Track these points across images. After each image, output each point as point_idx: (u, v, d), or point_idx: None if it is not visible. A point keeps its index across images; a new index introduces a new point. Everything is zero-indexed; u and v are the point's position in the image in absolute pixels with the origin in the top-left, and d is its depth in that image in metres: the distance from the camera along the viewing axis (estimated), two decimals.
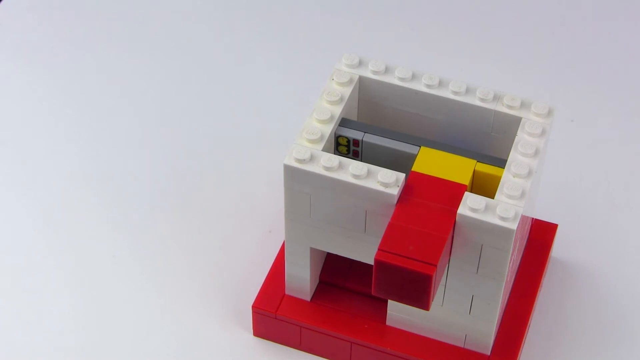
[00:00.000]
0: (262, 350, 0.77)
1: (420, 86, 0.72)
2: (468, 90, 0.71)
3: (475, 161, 0.69)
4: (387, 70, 0.73)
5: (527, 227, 0.77)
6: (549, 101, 0.72)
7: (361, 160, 0.71)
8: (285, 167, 0.67)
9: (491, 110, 0.71)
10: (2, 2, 1.04)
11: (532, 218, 0.80)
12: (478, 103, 0.71)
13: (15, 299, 0.80)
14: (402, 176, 0.66)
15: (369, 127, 0.71)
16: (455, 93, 0.71)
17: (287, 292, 0.76)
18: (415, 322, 0.74)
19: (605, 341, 0.78)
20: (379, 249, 0.64)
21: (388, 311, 0.74)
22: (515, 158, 0.68)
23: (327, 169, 0.67)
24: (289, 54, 0.99)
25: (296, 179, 0.68)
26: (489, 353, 0.73)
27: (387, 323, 0.75)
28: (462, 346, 0.74)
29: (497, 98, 0.71)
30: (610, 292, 0.81)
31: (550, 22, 1.02)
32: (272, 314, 0.75)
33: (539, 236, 0.80)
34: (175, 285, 0.81)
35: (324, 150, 0.68)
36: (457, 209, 0.65)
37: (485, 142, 0.72)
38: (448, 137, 0.73)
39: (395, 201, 0.66)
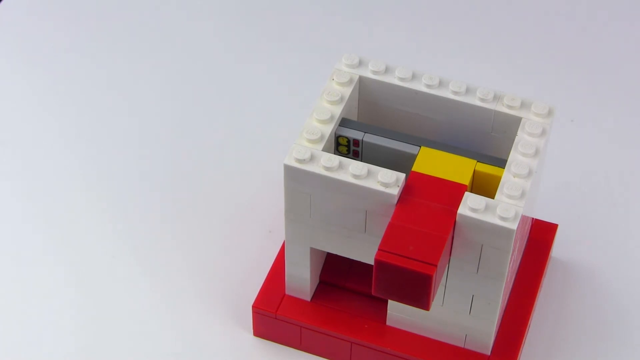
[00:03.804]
0: (262, 350, 0.77)
1: (420, 86, 0.72)
2: (468, 90, 0.71)
3: (475, 161, 0.69)
4: (387, 70, 0.73)
5: (527, 227, 0.77)
6: (549, 101, 0.72)
7: (361, 160, 0.71)
8: (285, 167, 0.67)
9: (491, 110, 0.71)
10: (2, 2, 1.04)
11: (532, 218, 0.80)
12: (478, 103, 0.71)
13: (15, 300, 0.80)
14: (402, 176, 0.66)
15: (369, 127, 0.71)
16: (455, 93, 0.71)
17: (287, 292, 0.76)
18: (415, 322, 0.74)
19: (606, 341, 0.78)
20: (379, 249, 0.64)
21: (388, 311, 0.74)
22: (515, 158, 0.68)
23: (327, 169, 0.67)
24: (289, 54, 0.99)
25: (296, 179, 0.68)
26: (489, 353, 0.73)
27: (387, 323, 0.75)
28: (462, 346, 0.74)
29: (497, 98, 0.71)
30: (610, 292, 0.81)
31: (551, 22, 1.02)
32: (272, 314, 0.75)
33: (539, 236, 0.80)
34: (176, 286, 0.81)
35: (324, 150, 0.68)
36: (457, 209, 0.65)
37: (485, 142, 0.72)
38: (448, 137, 0.73)
39: (395, 201, 0.66)
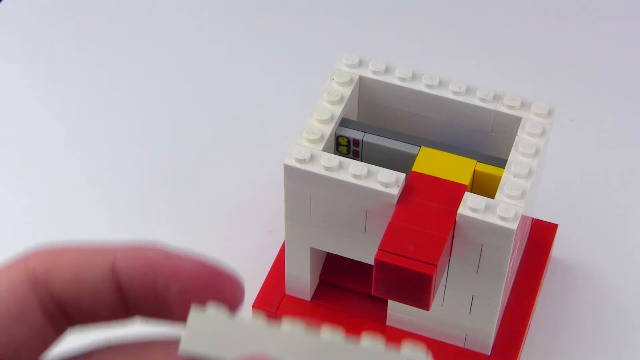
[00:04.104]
0: None
1: (420, 86, 0.72)
2: (468, 90, 0.71)
3: (475, 161, 0.69)
4: (387, 70, 0.73)
5: (527, 227, 0.77)
6: (549, 101, 0.72)
7: (361, 160, 0.71)
8: (286, 167, 0.67)
9: (491, 110, 0.71)
10: (2, 2, 1.04)
11: (532, 218, 0.80)
12: (478, 103, 0.71)
13: None
14: (402, 176, 0.66)
15: (369, 127, 0.71)
16: (455, 93, 0.71)
17: (287, 292, 0.76)
18: (415, 322, 0.74)
19: (606, 341, 0.78)
20: (379, 249, 0.64)
21: (388, 311, 0.74)
22: (515, 158, 0.68)
23: (327, 169, 0.67)
24: (289, 54, 0.99)
25: (296, 179, 0.68)
26: (489, 353, 0.73)
27: (387, 323, 0.75)
28: (462, 346, 0.74)
29: (497, 98, 0.71)
30: (610, 292, 0.81)
31: (551, 22, 1.02)
32: (272, 314, 0.75)
33: (539, 236, 0.80)
34: None
35: (324, 150, 0.68)
36: (457, 209, 0.65)
37: (485, 142, 0.72)
38: (448, 137, 0.73)
39: (395, 201, 0.66)
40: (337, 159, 0.67)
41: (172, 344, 0.38)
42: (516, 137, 0.69)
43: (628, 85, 0.96)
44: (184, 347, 0.36)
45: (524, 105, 0.71)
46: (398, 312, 0.74)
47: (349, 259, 0.74)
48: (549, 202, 0.85)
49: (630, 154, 0.90)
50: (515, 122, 0.70)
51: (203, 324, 0.37)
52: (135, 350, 0.39)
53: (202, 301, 0.38)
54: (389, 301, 0.73)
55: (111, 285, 0.38)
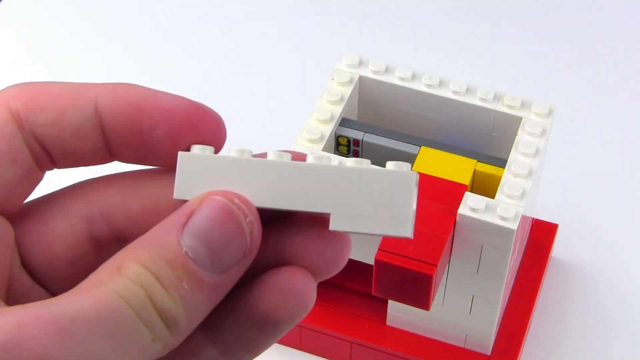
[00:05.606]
0: None
1: (420, 86, 0.72)
2: (468, 90, 0.71)
3: (475, 161, 0.69)
4: (387, 70, 0.72)
5: (527, 227, 0.77)
6: (549, 101, 0.72)
7: None
8: None
9: (491, 110, 0.71)
10: (2, 1, 1.04)
11: (532, 218, 0.80)
12: (478, 103, 0.71)
13: None
14: None
15: (369, 127, 0.71)
16: (456, 93, 0.71)
17: None
18: (415, 322, 0.74)
19: (606, 341, 0.78)
20: (379, 249, 0.64)
21: (388, 311, 0.74)
22: (516, 158, 0.68)
23: None
24: (289, 54, 0.98)
25: None
26: (489, 353, 0.73)
27: (387, 323, 0.75)
28: (462, 346, 0.74)
29: (497, 98, 0.71)
30: (610, 292, 0.81)
31: (550, 22, 1.02)
32: None
33: (539, 236, 0.80)
34: None
35: (324, 150, 0.68)
36: (457, 209, 0.65)
37: (485, 142, 0.72)
38: (448, 137, 0.73)
39: None
40: (337, 158, 0.67)
41: (161, 178, 0.37)
42: (516, 137, 0.69)
43: (628, 85, 0.96)
44: (179, 193, 0.36)
45: (524, 105, 0.71)
46: (398, 312, 0.74)
47: (349, 258, 0.74)
48: (549, 202, 0.85)
49: (630, 154, 0.90)
50: (515, 122, 0.70)
51: (193, 167, 0.37)
52: (123, 184, 0.38)
53: (188, 142, 0.37)
54: (389, 301, 0.73)
55: (95, 126, 0.37)
